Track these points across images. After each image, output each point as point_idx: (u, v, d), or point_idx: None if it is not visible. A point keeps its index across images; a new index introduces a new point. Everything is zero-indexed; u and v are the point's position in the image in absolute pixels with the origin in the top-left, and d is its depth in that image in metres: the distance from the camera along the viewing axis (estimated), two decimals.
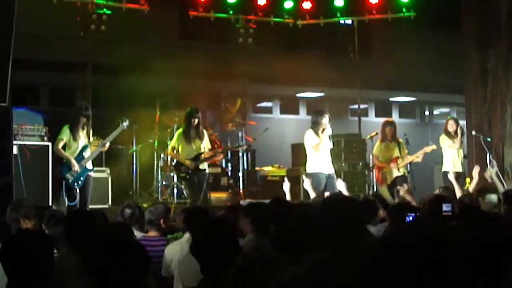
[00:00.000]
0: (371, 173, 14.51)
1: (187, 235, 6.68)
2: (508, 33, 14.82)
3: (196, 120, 12.14)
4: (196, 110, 12.25)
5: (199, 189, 12.09)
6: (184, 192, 13.93)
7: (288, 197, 9.34)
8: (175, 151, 12.33)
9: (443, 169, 13.32)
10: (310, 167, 12.08)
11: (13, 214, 7.44)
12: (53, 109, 17.23)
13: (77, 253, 5.35)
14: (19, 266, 4.03)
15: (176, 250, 6.63)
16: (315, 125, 12.08)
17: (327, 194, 10.56)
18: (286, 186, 9.69)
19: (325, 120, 12.02)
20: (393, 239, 2.20)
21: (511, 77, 14.79)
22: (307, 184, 10.15)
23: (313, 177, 11.48)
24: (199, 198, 11.96)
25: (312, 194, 9.83)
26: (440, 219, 5.54)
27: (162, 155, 14.80)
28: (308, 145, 12.11)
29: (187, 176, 12.19)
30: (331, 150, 12.23)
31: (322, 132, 11.95)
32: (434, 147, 13.45)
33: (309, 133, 12.12)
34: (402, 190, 9.55)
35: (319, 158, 11.97)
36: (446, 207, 5.65)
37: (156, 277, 6.39)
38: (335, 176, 11.90)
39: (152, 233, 7.43)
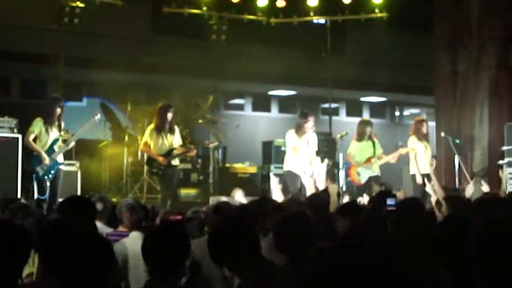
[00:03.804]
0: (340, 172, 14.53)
1: (133, 234, 6.59)
2: (479, 35, 14.95)
3: (170, 116, 12.16)
4: (170, 105, 12.27)
5: (171, 185, 12.15)
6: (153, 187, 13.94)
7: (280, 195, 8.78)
8: (146, 147, 12.32)
9: (411, 171, 13.30)
10: (287, 165, 12.15)
11: None
12: (24, 101, 17.13)
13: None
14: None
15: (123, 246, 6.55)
16: (298, 128, 12.09)
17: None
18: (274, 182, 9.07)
19: (308, 124, 11.99)
20: None
21: (481, 79, 14.92)
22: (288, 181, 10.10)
23: (289, 175, 11.56)
24: (170, 194, 12.02)
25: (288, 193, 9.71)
26: (384, 213, 5.60)
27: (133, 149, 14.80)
28: (288, 146, 12.18)
29: (160, 172, 12.20)
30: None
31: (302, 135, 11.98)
32: (409, 149, 13.30)
33: (291, 134, 12.15)
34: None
35: (297, 159, 12.00)
36: (390, 202, 5.68)
37: None
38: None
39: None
